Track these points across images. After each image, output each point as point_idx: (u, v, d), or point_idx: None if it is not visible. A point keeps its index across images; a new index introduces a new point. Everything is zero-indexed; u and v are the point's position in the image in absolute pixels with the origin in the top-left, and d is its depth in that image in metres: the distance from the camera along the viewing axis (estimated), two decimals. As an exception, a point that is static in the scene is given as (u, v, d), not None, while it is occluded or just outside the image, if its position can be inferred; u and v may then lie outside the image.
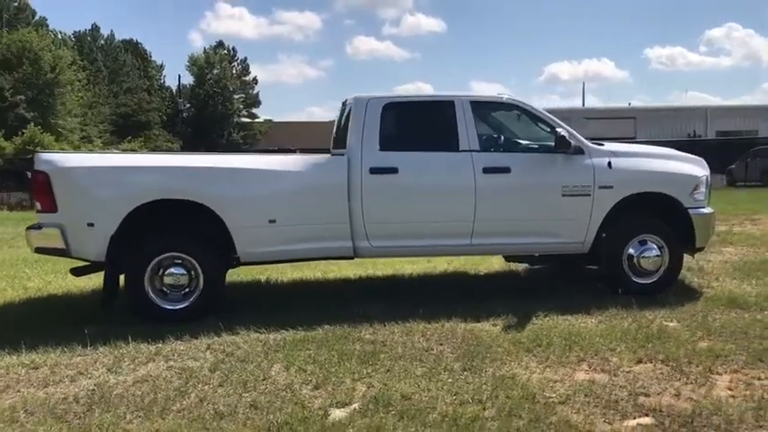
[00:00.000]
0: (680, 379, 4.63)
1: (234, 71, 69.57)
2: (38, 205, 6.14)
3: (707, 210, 7.07)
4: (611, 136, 40.70)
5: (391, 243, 6.62)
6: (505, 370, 4.81)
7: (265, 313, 6.31)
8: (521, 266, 8.49)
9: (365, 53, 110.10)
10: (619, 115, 49.01)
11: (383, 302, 6.65)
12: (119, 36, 68.26)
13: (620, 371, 4.79)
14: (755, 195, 22.87)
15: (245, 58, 70.65)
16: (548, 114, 6.94)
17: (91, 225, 5.98)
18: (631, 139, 41.56)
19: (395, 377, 4.69)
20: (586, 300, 6.57)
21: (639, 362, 4.98)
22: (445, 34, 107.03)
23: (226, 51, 69.77)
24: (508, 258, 7.44)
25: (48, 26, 56.16)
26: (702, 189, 7.03)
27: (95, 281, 7.20)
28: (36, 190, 6.13)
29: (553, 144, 6.64)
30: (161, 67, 73.31)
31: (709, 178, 7.23)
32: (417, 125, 6.82)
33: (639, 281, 6.88)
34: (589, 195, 6.72)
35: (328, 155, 6.65)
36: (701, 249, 7.26)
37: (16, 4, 54.21)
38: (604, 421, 3.98)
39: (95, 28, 65.73)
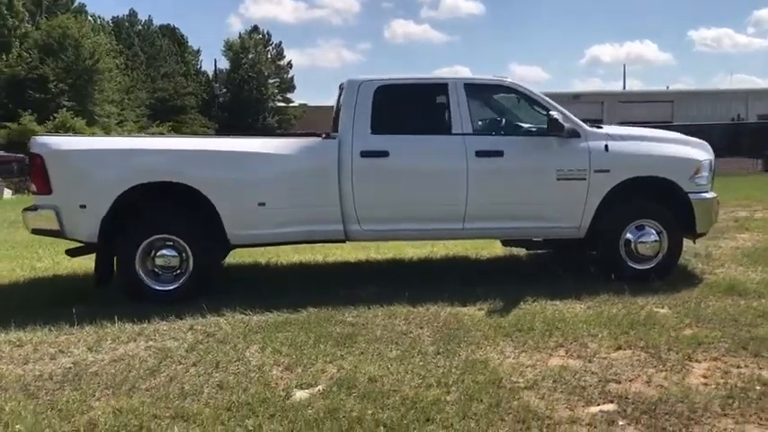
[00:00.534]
0: (656, 366, 4.55)
1: (269, 56, 69.87)
2: (33, 187, 6.26)
3: (709, 194, 6.90)
4: (648, 120, 40.14)
5: (382, 227, 6.60)
6: (479, 354, 4.79)
7: (257, 295, 6.37)
8: (523, 251, 8.39)
9: (403, 36, 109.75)
10: (656, 99, 48.12)
11: (376, 286, 6.66)
12: (157, 22, 69.06)
13: (596, 357, 4.73)
14: (790, 181, 22.27)
15: (280, 43, 70.96)
16: (544, 97, 6.82)
17: (83, 207, 6.09)
18: (668, 123, 40.80)
19: (367, 360, 4.69)
20: (580, 285, 6.49)
21: (618, 348, 4.90)
22: (484, 17, 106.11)
23: (261, 36, 70.09)
24: (505, 243, 7.37)
25: (86, 12, 57.10)
26: (704, 173, 6.86)
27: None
28: (32, 172, 6.26)
29: (563, 128, 6.53)
30: (197, 52, 74.04)
31: (712, 162, 7.05)
32: (410, 108, 6.78)
33: (637, 266, 6.76)
34: (585, 179, 6.61)
35: (320, 138, 6.63)
36: (702, 235, 7.11)
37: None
38: (566, 407, 3.93)
39: (133, 13, 66.59)
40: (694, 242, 7.29)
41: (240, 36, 68.80)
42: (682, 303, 5.98)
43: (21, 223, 7.46)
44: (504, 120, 7.05)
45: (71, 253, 6.44)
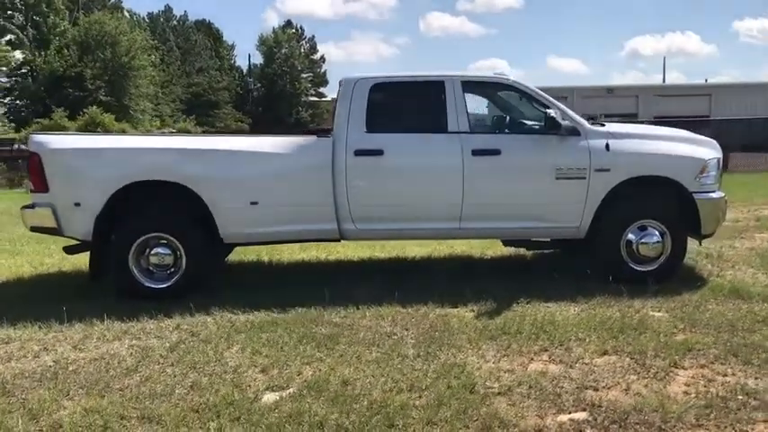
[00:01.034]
0: (638, 373, 4.43)
1: (302, 50, 70.21)
2: (31, 185, 6.34)
3: (716, 194, 6.69)
4: (684, 114, 39.37)
5: (377, 226, 6.55)
6: (459, 358, 4.71)
7: (252, 293, 6.35)
8: (529, 252, 8.24)
9: (439, 29, 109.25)
10: (693, 92, 47.06)
11: (372, 285, 6.59)
12: (193, 17, 69.84)
13: (578, 362, 4.62)
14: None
15: (313, 37, 71.31)
16: (544, 95, 6.68)
17: (78, 205, 6.15)
18: (706, 117, 39.94)
19: (345, 362, 4.65)
20: (579, 287, 6.35)
21: (604, 353, 4.78)
22: (522, 8, 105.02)
23: (294, 30, 70.43)
24: (507, 243, 7.24)
25: (122, 8, 57.98)
26: (711, 173, 6.65)
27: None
28: (29, 170, 6.34)
29: (560, 126, 6.40)
30: (232, 46, 74.62)
31: (720, 161, 6.84)
32: (406, 106, 6.70)
33: (639, 268, 6.59)
34: (584, 179, 6.46)
35: (314, 136, 6.59)
36: (708, 236, 6.90)
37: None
38: (536, 415, 3.85)
39: (168, 9, 67.35)
40: (700, 243, 7.08)
41: (274, 31, 69.27)
42: (680, 307, 5.82)
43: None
44: (502, 118, 6.94)
45: (68, 251, 6.51)
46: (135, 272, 6.23)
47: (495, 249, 8.50)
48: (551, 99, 6.66)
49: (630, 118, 37.96)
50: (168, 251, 6.27)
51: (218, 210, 6.23)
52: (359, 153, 6.39)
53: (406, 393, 4.12)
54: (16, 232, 10.78)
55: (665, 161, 6.55)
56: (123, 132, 26.65)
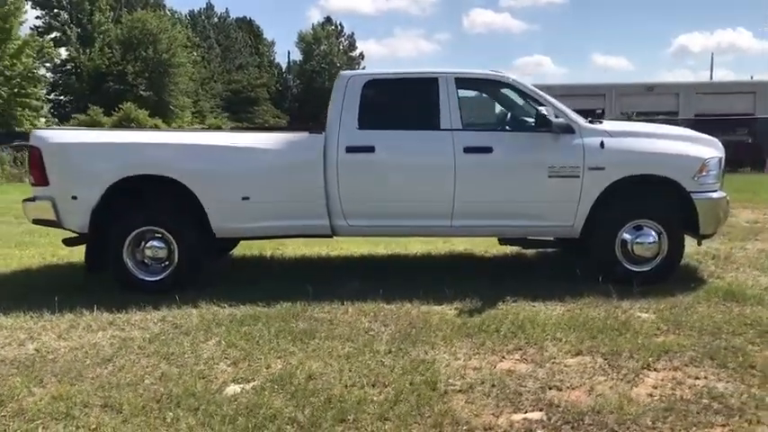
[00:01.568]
0: (608, 374, 4.38)
1: (341, 47, 70.55)
2: (32, 179, 6.52)
3: (715, 194, 6.54)
4: (726, 112, 38.36)
5: (369, 222, 6.57)
6: (430, 354, 4.71)
7: (244, 287, 6.45)
8: (531, 251, 8.16)
9: (482, 25, 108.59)
10: (737, 90, 45.82)
11: (364, 281, 6.59)
12: (236, 14, 70.66)
13: (549, 362, 4.58)
14: None
15: (352, 34, 71.68)
16: (538, 92, 6.61)
17: (74, 198, 6.31)
18: (750, 116, 38.87)
19: (315, 356, 4.69)
20: (571, 287, 6.26)
21: (578, 354, 4.74)
22: (566, 4, 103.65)
23: (333, 27, 70.81)
24: (502, 241, 7.19)
25: (164, 6, 59.01)
26: (711, 172, 6.51)
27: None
28: (30, 164, 6.52)
29: (551, 123, 6.33)
30: (272, 43, 75.37)
31: (722, 160, 6.69)
32: (399, 103, 6.70)
33: (634, 268, 6.48)
34: (578, 177, 6.38)
35: (307, 133, 6.64)
36: (708, 237, 6.76)
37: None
38: (491, 413, 3.84)
39: (210, 6, 68.29)
40: (699, 244, 6.93)
41: (313, 27, 69.77)
42: (669, 308, 5.72)
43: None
44: (495, 115, 6.90)
45: (67, 242, 6.67)
46: (129, 265, 6.36)
47: (499, 248, 8.45)
48: (547, 96, 6.60)
49: (671, 116, 37.21)
50: (162, 244, 6.39)
51: (209, 204, 6.32)
52: (350, 150, 6.42)
53: (368, 389, 4.14)
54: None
55: (661, 160, 6.43)
56: (156, 128, 27.17)
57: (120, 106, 31.79)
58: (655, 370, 4.44)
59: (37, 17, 51.24)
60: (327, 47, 68.54)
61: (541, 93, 6.61)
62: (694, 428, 3.62)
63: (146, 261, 6.45)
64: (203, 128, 26.43)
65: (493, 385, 4.18)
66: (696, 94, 44.82)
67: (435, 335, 5.10)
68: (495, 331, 5.16)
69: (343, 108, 6.51)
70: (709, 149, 6.66)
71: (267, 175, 6.38)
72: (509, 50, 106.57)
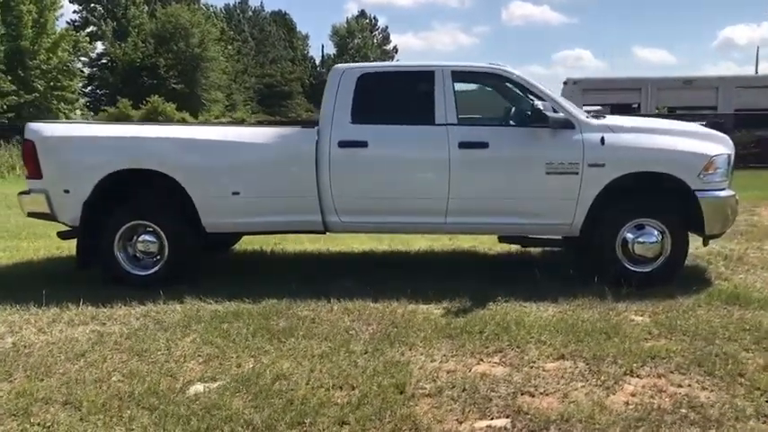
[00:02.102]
0: (587, 380, 4.20)
1: (374, 40, 70.45)
2: (26, 172, 6.54)
3: (723, 193, 6.27)
4: (765, 107, 37.26)
5: (362, 219, 6.45)
6: (407, 356, 4.59)
7: (236, 283, 6.36)
8: (537, 249, 7.96)
9: (520, 18, 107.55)
10: (778, 84, 44.52)
11: (360, 278, 6.47)
12: (272, 8, 71.05)
13: (528, 366, 4.42)
14: None
15: (386, 27, 71.55)
16: (538, 85, 6.40)
17: (67, 191, 6.30)
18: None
19: (289, 356, 4.60)
20: (568, 287, 6.07)
21: (560, 357, 4.56)
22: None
23: (367, 21, 70.72)
24: (502, 239, 7.00)
25: (199, 1, 59.44)
26: (718, 169, 6.24)
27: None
28: (24, 157, 6.53)
29: (547, 118, 6.14)
30: (306, 37, 75.53)
31: (730, 158, 6.41)
32: (393, 97, 6.54)
33: (635, 269, 6.25)
34: (577, 174, 6.17)
35: (299, 127, 6.55)
36: (714, 237, 6.50)
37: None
38: (455, 419, 3.70)
39: (244, 1, 68.67)
40: (705, 244, 6.66)
41: (347, 21, 69.76)
42: (665, 311, 5.50)
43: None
44: (492, 110, 6.71)
45: (62, 236, 6.67)
46: (120, 259, 6.34)
47: (504, 246, 8.26)
48: (546, 90, 6.39)
49: (710, 111, 36.28)
50: (154, 239, 6.36)
51: (199, 199, 6.27)
52: (343, 144, 6.30)
53: (334, 391, 4.04)
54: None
55: (664, 157, 6.19)
56: (183, 121, 27.36)
57: (148, 99, 32.11)
58: (637, 376, 4.26)
59: (74, 11, 52.21)
60: (361, 40, 68.57)
61: (541, 87, 6.41)
62: (664, 440, 3.44)
63: (137, 255, 6.42)
64: (221, 121, 26.52)
65: (463, 389, 4.04)
66: (736, 89, 43.68)
67: (416, 335, 4.97)
68: (478, 333, 5.00)
69: (336, 102, 6.39)
70: (717, 146, 6.39)
71: (257, 170, 6.30)
72: (548, 44, 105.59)
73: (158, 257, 6.39)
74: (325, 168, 6.30)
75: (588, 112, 6.69)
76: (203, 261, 7.20)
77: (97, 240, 6.32)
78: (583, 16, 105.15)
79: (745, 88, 43.81)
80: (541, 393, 4.01)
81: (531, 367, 4.40)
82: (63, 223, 6.58)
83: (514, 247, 7.97)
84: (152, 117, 28.38)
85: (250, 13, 70.41)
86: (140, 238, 6.38)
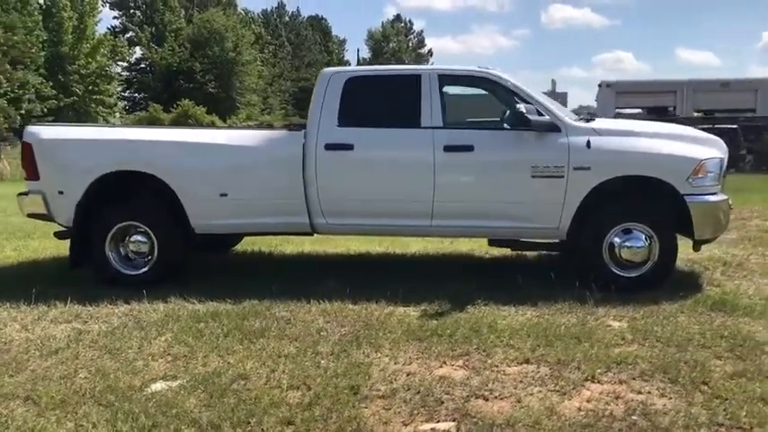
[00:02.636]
0: (546, 385, 4.17)
1: (410, 44, 70.51)
2: (25, 173, 6.73)
3: (713, 197, 6.16)
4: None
5: (348, 221, 6.49)
6: (371, 358, 4.61)
7: (226, 283, 6.45)
8: (533, 253, 7.86)
9: (561, 21, 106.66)
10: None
11: (346, 279, 6.48)
12: (310, 12, 71.68)
13: (489, 370, 4.40)
14: None
15: (422, 31, 71.55)
16: (524, 89, 6.36)
17: (61, 193, 6.47)
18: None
19: (255, 356, 4.65)
20: (553, 290, 6.02)
21: (525, 362, 4.54)
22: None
23: (402, 24, 70.83)
24: (492, 243, 6.95)
25: (236, 6, 60.29)
26: (709, 173, 6.12)
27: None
28: (23, 159, 6.72)
29: (530, 121, 6.10)
30: (343, 41, 75.96)
31: (723, 161, 6.30)
32: (380, 101, 6.57)
33: (623, 274, 6.17)
34: (562, 177, 6.13)
35: (286, 130, 6.62)
36: (705, 242, 6.39)
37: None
38: (401, 422, 3.71)
39: (281, 5, 69.40)
40: (695, 250, 6.53)
41: (382, 25, 69.96)
42: (646, 317, 5.42)
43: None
44: (478, 113, 6.70)
45: (59, 236, 6.84)
46: (112, 259, 6.48)
47: (501, 250, 8.20)
48: (533, 94, 6.36)
49: (748, 114, 35.50)
50: (145, 239, 6.49)
51: (187, 201, 6.38)
52: (329, 147, 6.35)
53: (289, 391, 4.08)
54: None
55: (650, 160, 6.10)
56: (212, 125, 27.77)
57: (179, 103, 32.70)
58: (598, 382, 4.21)
59: (114, 17, 53.36)
60: (396, 44, 68.63)
61: (528, 90, 6.37)
62: (606, 448, 3.41)
63: (130, 255, 6.55)
64: (250, 124, 26.85)
65: (418, 392, 4.05)
66: (769, 90, 42.58)
67: (386, 337, 4.99)
68: (448, 336, 5.00)
69: (324, 105, 6.46)
70: (709, 150, 6.29)
71: (245, 172, 6.39)
72: (589, 46, 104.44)
73: (150, 258, 6.52)
74: (312, 171, 6.36)
75: (579, 115, 6.63)
76: (200, 262, 7.35)
77: (89, 241, 6.46)
78: (625, 18, 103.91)
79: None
80: (496, 397, 4.00)
81: (493, 371, 4.38)
82: (59, 224, 6.75)
83: (512, 251, 7.91)
84: (182, 120, 28.89)
85: (287, 17, 71.04)
86: (132, 239, 6.51)
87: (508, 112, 6.47)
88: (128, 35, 51.16)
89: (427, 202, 6.30)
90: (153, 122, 27.76)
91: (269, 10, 69.24)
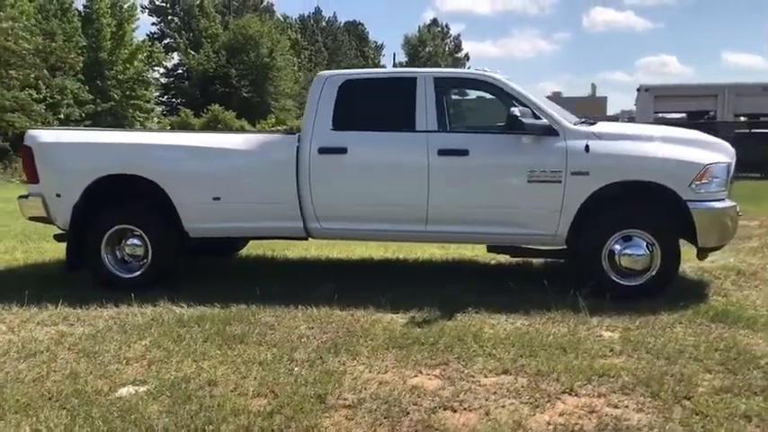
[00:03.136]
0: (520, 397, 4.02)
1: (446, 48, 70.33)
2: (26, 176, 6.80)
3: (719, 204, 5.92)
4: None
5: (342, 225, 6.40)
6: (347, 366, 4.51)
7: (220, 287, 6.44)
8: (539, 260, 7.68)
9: (603, 24, 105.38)
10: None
11: (344, 285, 6.40)
12: (347, 17, 72.08)
13: (464, 380, 4.26)
14: None
15: (458, 35, 71.33)
16: (522, 92, 6.19)
17: (59, 196, 6.51)
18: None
19: (230, 362, 4.59)
20: (549, 299, 5.83)
21: (503, 372, 4.39)
22: (693, 0, 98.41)
23: (439, 29, 70.69)
24: (491, 249, 6.79)
25: (273, 12, 60.92)
26: (714, 179, 5.89)
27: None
28: (23, 162, 6.80)
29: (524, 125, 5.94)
30: (380, 47, 76.13)
31: (730, 167, 6.05)
32: (375, 104, 6.48)
33: (623, 282, 5.97)
34: (560, 182, 5.95)
35: (280, 134, 6.57)
36: (711, 250, 6.14)
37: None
38: (360, 433, 3.60)
39: (318, 11, 69.89)
40: (699, 258, 6.29)
41: (419, 30, 69.91)
42: (640, 327, 5.22)
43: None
44: (474, 116, 6.56)
45: (58, 238, 6.89)
46: (107, 261, 6.50)
47: (506, 257, 8.03)
48: (532, 97, 6.19)
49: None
50: (140, 242, 6.50)
51: (181, 204, 6.37)
52: (323, 151, 6.28)
53: (255, 399, 4.00)
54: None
55: (651, 165, 5.89)
56: (242, 129, 27.98)
57: (209, 107, 33.06)
58: (576, 395, 4.04)
59: (153, 23, 54.29)
60: (432, 48, 68.52)
61: (526, 93, 6.20)
62: (567, 465, 3.25)
63: (126, 258, 6.57)
64: (276, 129, 26.96)
65: (385, 402, 3.93)
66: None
67: (366, 344, 4.88)
68: (430, 344, 4.87)
69: (318, 108, 6.38)
70: (714, 155, 6.05)
71: (238, 175, 6.35)
72: (632, 50, 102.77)
73: (145, 261, 6.52)
74: (306, 175, 6.30)
75: (580, 119, 6.44)
76: (197, 266, 7.34)
77: (87, 244, 6.49)
78: (669, 21, 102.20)
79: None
80: (465, 409, 3.86)
81: (468, 381, 4.25)
82: (58, 227, 6.80)
83: (515, 260, 7.74)
84: (212, 125, 29.19)
85: (324, 23, 71.50)
86: (128, 242, 6.52)
87: (503, 115, 6.31)
88: (165, 41, 51.97)
89: (422, 206, 6.18)
90: (183, 127, 28.16)
91: (306, 15, 69.82)
